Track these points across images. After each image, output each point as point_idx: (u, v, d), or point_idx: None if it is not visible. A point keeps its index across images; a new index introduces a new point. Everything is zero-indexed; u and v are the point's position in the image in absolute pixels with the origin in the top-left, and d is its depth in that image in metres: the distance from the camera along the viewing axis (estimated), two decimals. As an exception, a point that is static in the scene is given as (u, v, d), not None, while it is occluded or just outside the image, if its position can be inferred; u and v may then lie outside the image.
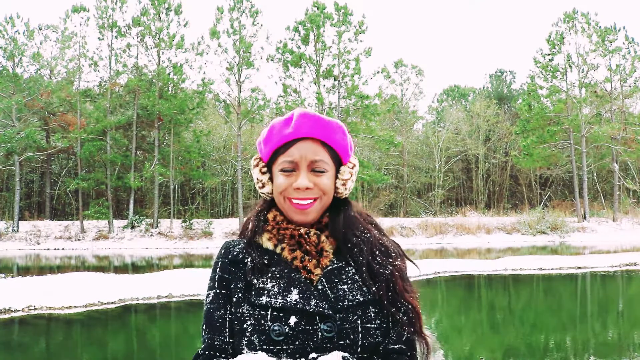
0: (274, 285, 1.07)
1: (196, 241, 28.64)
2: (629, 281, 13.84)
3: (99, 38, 30.99)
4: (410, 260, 1.20)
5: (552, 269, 15.23)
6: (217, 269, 1.15)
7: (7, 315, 9.18)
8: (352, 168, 1.17)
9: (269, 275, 1.09)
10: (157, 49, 31.23)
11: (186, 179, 36.26)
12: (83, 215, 29.82)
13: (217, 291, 1.13)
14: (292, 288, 1.05)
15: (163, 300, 10.53)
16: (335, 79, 31.47)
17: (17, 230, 29.48)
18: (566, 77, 34.60)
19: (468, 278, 14.12)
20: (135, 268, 18.41)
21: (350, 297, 1.06)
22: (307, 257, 1.09)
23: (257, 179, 1.18)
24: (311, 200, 1.10)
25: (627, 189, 38.50)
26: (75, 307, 9.78)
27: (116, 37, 31.04)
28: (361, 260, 1.10)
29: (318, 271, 1.08)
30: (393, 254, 1.16)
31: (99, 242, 28.55)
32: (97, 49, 31.93)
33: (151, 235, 29.49)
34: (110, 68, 31.37)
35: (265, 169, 1.17)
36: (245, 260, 1.13)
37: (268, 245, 1.13)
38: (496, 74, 54.62)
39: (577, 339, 7.80)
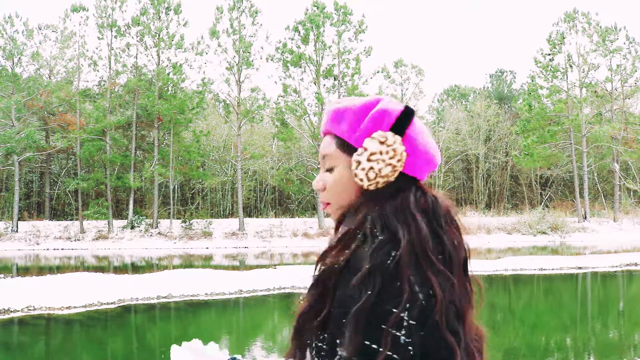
0: None
1: (196, 241, 28.59)
2: (630, 281, 13.82)
3: (98, 38, 30.92)
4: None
5: (553, 269, 15.20)
6: None
7: (7, 316, 9.15)
8: (361, 154, 0.90)
9: None
10: (156, 49, 31.18)
11: (186, 179, 36.22)
12: (82, 216, 29.76)
13: None
14: None
15: (163, 301, 10.50)
16: (335, 79, 31.43)
17: (17, 231, 29.45)
18: (567, 77, 34.57)
19: (468, 278, 14.07)
20: (135, 268, 18.39)
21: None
22: None
23: None
24: (326, 202, 1.00)
25: (628, 189, 38.46)
26: (74, 307, 9.75)
27: (116, 37, 30.98)
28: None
29: None
30: (360, 294, 0.79)
31: (99, 242, 28.51)
32: (97, 48, 31.86)
33: (151, 235, 29.45)
34: (110, 68, 31.30)
35: None
36: None
37: None
38: (496, 74, 54.57)
39: (578, 339, 7.77)
